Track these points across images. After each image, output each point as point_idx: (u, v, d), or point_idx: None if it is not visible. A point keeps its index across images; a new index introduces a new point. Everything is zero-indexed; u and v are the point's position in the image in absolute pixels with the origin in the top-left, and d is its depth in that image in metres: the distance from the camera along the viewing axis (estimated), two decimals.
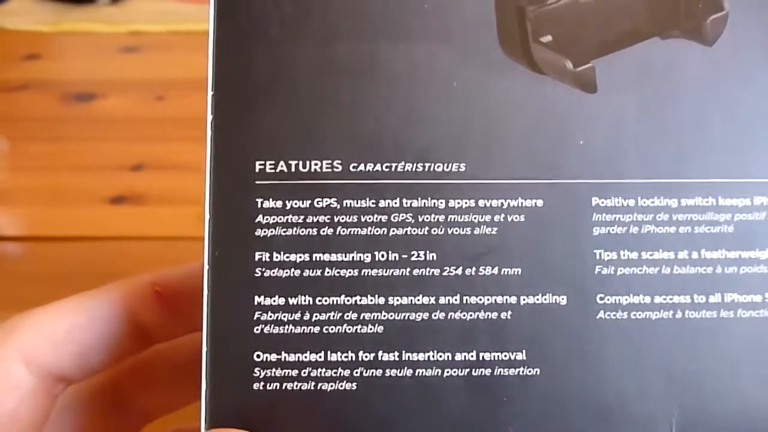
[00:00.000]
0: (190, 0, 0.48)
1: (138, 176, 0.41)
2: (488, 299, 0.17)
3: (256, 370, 0.17)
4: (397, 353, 0.17)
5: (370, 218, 0.18)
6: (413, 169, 0.18)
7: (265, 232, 0.17)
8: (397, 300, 0.17)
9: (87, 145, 0.42)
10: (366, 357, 0.17)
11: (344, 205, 0.18)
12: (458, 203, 0.18)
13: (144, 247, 0.38)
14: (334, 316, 0.17)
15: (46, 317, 0.19)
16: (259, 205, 0.18)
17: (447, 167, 0.18)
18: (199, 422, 0.17)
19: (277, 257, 0.17)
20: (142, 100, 0.43)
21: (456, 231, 0.18)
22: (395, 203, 0.18)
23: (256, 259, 0.17)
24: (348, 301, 0.17)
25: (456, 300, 0.17)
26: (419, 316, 0.17)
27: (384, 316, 0.17)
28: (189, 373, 0.18)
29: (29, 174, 0.41)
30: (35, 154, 0.42)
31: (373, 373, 0.17)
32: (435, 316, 0.17)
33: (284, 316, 0.17)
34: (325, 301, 0.17)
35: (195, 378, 0.17)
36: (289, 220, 0.18)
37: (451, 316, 0.17)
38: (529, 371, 0.17)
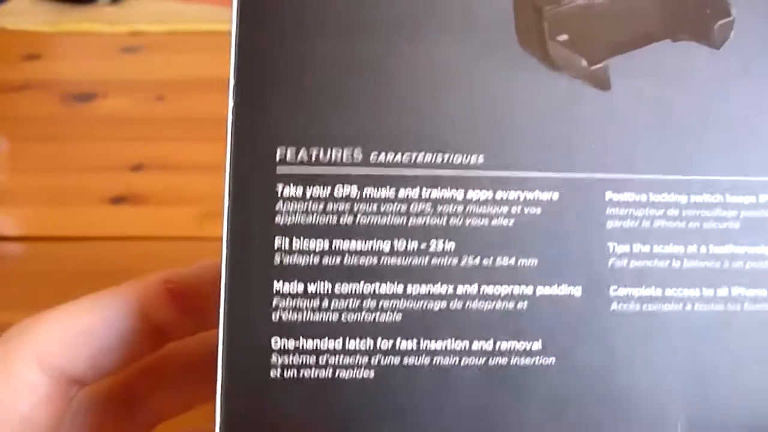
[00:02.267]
0: (191, 0, 0.48)
1: (138, 176, 0.41)
2: (505, 289, 0.18)
3: (273, 356, 0.17)
4: (415, 341, 0.17)
5: (389, 207, 0.18)
6: (433, 160, 0.18)
7: (285, 219, 0.18)
8: (416, 288, 0.18)
9: (87, 145, 0.42)
10: (384, 345, 0.17)
11: (364, 193, 0.18)
12: (476, 194, 0.18)
13: (144, 247, 0.38)
14: (352, 304, 0.17)
15: (60, 319, 0.19)
16: (280, 193, 0.18)
17: (466, 159, 0.18)
18: (215, 410, 0.17)
19: (296, 244, 0.18)
20: (142, 100, 0.43)
21: (474, 222, 0.18)
22: (415, 193, 0.18)
23: (276, 246, 0.17)
24: (367, 288, 0.18)
25: (473, 290, 0.18)
26: (437, 304, 0.18)
27: (402, 304, 0.18)
28: (202, 371, 0.18)
29: (29, 174, 0.41)
30: (35, 154, 0.42)
31: (391, 360, 0.17)
32: (452, 305, 0.18)
33: (303, 303, 0.17)
34: (344, 288, 0.17)
35: (208, 376, 0.17)
36: (309, 208, 0.18)
37: (468, 305, 0.18)
38: (545, 360, 0.18)
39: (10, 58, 0.45)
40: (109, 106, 0.43)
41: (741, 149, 0.19)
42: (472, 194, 0.18)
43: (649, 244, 0.18)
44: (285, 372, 0.17)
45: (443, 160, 0.18)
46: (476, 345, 0.18)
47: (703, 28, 0.19)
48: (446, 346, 0.17)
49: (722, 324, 0.18)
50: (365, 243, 0.18)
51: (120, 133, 0.42)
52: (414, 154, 0.18)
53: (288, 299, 0.17)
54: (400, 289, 0.18)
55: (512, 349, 0.18)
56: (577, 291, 0.18)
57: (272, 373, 0.17)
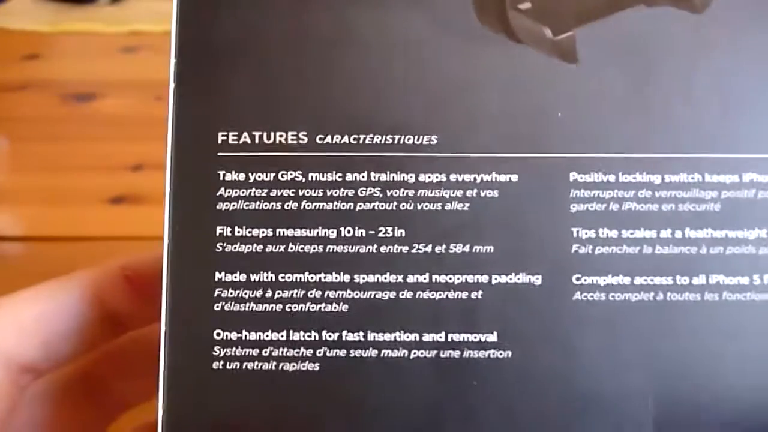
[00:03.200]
0: None
1: (138, 176, 0.41)
2: (458, 278, 0.17)
3: (215, 348, 0.17)
4: (362, 333, 0.16)
5: (336, 192, 0.17)
6: (382, 142, 0.17)
7: (227, 205, 0.17)
8: (363, 278, 0.17)
9: (87, 145, 0.42)
10: (329, 336, 0.17)
11: (309, 178, 0.17)
12: (429, 177, 0.17)
13: (144, 247, 0.38)
14: (297, 294, 0.17)
15: (11, 306, 0.18)
16: (222, 178, 0.17)
17: (418, 140, 0.17)
18: (157, 401, 0.17)
19: (239, 232, 0.17)
20: (142, 100, 0.43)
21: (426, 206, 0.17)
22: (363, 177, 0.17)
23: (218, 233, 0.17)
24: (312, 278, 0.17)
25: (425, 279, 0.17)
26: (386, 294, 0.17)
27: (349, 294, 0.17)
28: None
29: (29, 174, 0.41)
30: (35, 154, 0.42)
31: (336, 353, 0.16)
32: (402, 295, 0.17)
33: (246, 293, 0.17)
34: (288, 278, 0.17)
35: None
36: (253, 194, 0.17)
37: (419, 295, 0.17)
38: (500, 354, 0.16)
39: (10, 58, 0.45)
40: (108, 106, 0.43)
41: (723, 124, 0.17)
42: (424, 177, 0.17)
43: (617, 229, 0.17)
44: (228, 364, 0.16)
45: (393, 141, 0.17)
46: (427, 337, 0.16)
47: None
48: (395, 338, 0.16)
49: (698, 314, 0.16)
50: (310, 230, 0.17)
51: (120, 133, 0.42)
52: (362, 136, 0.17)
53: (230, 289, 0.17)
54: (346, 278, 0.17)
55: (465, 341, 0.16)
56: (537, 280, 0.17)
57: (215, 365, 0.17)
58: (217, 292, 0.17)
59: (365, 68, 0.17)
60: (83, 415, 0.21)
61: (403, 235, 0.17)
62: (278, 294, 0.17)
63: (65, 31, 0.47)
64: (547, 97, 0.17)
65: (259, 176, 0.17)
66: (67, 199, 0.40)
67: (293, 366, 0.16)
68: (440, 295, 0.17)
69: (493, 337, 0.16)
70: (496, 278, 0.17)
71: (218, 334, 0.17)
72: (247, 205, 0.17)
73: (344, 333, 0.16)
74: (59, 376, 0.20)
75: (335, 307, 0.17)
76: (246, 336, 0.17)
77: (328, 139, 0.17)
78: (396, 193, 0.17)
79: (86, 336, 0.19)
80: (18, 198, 0.40)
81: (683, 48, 0.17)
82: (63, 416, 0.20)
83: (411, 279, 0.17)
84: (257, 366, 0.16)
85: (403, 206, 0.17)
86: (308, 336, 0.17)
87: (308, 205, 0.17)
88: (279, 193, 0.17)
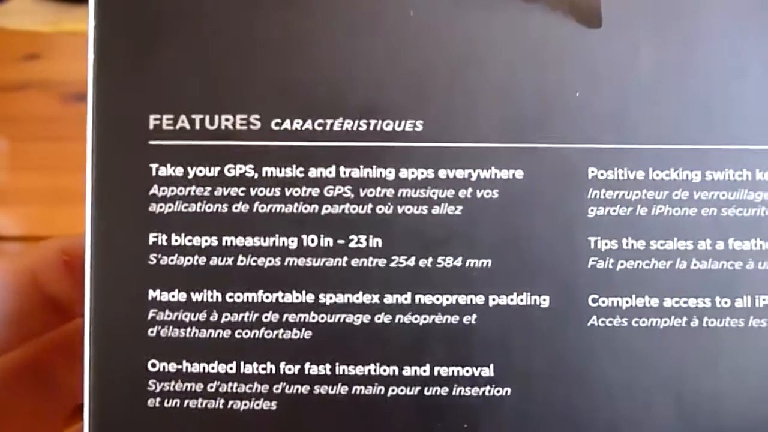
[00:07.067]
0: None
1: None
2: (447, 299, 0.14)
3: (150, 382, 0.14)
4: (328, 365, 0.14)
5: (297, 192, 0.14)
6: (354, 128, 0.14)
7: (161, 207, 0.14)
8: (330, 298, 0.14)
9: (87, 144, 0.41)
10: (289, 369, 0.14)
11: (264, 174, 0.14)
12: (412, 174, 0.14)
13: None
14: (249, 318, 0.14)
15: None
16: (154, 173, 0.14)
17: (399, 126, 0.14)
18: None
19: (176, 240, 0.14)
20: None
21: (408, 210, 0.14)
22: (330, 173, 0.14)
23: (151, 242, 0.14)
24: (267, 298, 0.14)
25: (406, 299, 0.14)
26: (358, 319, 0.14)
27: (313, 318, 0.14)
28: None
29: (29, 174, 0.42)
30: (35, 154, 0.42)
31: (297, 389, 0.14)
32: (378, 319, 0.14)
33: (186, 316, 0.14)
34: (238, 297, 0.14)
35: None
36: (193, 193, 0.14)
37: (399, 319, 0.14)
38: (498, 391, 0.13)
39: (10, 58, 0.45)
40: None
41: None
42: (406, 173, 0.14)
43: (645, 239, 0.14)
44: (166, 401, 0.14)
45: (368, 128, 0.14)
46: (408, 370, 0.14)
47: None
48: (369, 372, 0.14)
49: (741, 344, 0.14)
50: (265, 239, 0.14)
51: None
52: (329, 121, 0.14)
53: (167, 311, 0.14)
54: (310, 298, 0.14)
55: (455, 376, 0.14)
56: (544, 301, 0.14)
57: (150, 402, 0.14)
58: (151, 315, 0.14)
59: (332, 34, 0.14)
60: (35, 403, 0.19)
61: (380, 245, 0.14)
62: (226, 317, 0.14)
63: (65, 31, 0.46)
64: (562, 72, 0.14)
65: (201, 171, 0.14)
66: (67, 199, 0.39)
67: (245, 404, 0.14)
68: (425, 319, 0.14)
69: (488, 371, 0.14)
70: (493, 299, 0.14)
71: (153, 366, 0.14)
72: (186, 207, 0.14)
73: (307, 365, 0.14)
74: (7, 362, 0.18)
75: (296, 334, 0.14)
76: (187, 368, 0.14)
77: (287, 124, 0.14)
78: (371, 193, 0.14)
79: (25, 322, 0.17)
80: (18, 198, 0.40)
81: (733, 10, 0.14)
82: (14, 405, 0.19)
83: (389, 299, 0.14)
84: (201, 404, 0.14)
85: (380, 210, 0.14)
86: (263, 368, 0.14)
87: (262, 208, 0.14)
88: (226, 192, 0.14)
